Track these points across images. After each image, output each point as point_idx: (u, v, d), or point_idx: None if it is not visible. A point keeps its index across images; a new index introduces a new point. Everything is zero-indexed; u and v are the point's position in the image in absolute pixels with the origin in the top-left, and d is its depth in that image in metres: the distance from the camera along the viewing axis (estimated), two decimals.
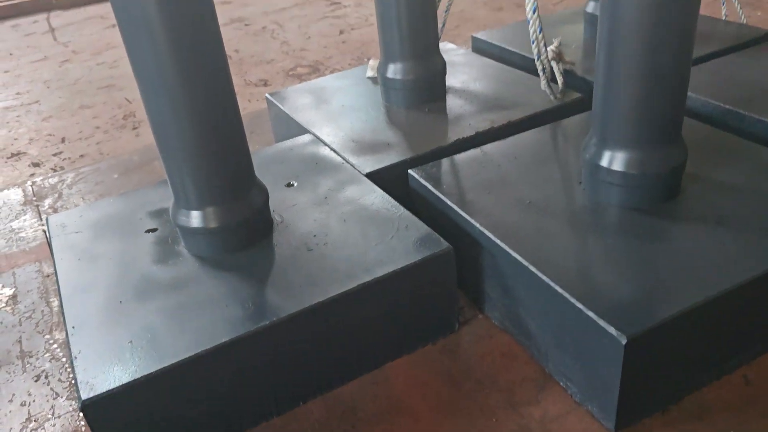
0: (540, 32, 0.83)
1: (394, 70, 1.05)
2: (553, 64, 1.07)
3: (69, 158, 1.42)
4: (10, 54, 2.18)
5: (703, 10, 1.58)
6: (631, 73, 0.69)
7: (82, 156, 1.42)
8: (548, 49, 1.07)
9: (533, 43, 0.85)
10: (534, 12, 0.80)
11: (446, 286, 0.76)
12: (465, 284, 0.83)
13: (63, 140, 1.51)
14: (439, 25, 1.10)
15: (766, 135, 0.90)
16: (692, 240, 0.69)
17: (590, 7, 1.30)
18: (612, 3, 0.67)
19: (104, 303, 0.72)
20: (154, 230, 0.83)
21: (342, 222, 0.80)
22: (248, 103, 1.58)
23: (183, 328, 0.66)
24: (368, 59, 1.18)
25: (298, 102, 1.15)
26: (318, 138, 1.01)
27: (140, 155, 1.36)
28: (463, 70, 1.18)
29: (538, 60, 0.87)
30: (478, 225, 0.75)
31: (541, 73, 0.90)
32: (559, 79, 1.04)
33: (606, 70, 0.71)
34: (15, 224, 1.17)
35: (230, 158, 0.74)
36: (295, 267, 0.73)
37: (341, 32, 1.99)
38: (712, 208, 0.74)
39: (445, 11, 1.14)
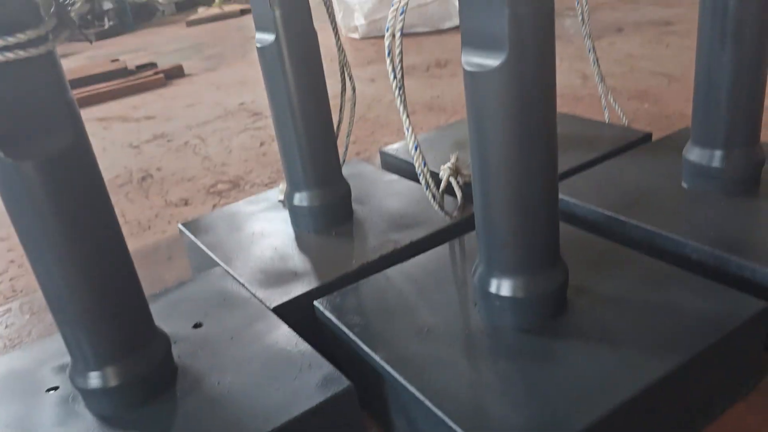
0: (425, 165, 0.89)
1: (299, 198, 1.09)
2: (451, 180, 1.13)
3: None
4: None
5: (588, 114, 1.71)
6: (504, 209, 0.74)
7: None
8: (445, 167, 1.13)
9: (420, 175, 0.91)
10: (416, 149, 0.85)
11: (350, 423, 0.76)
12: (376, 412, 0.84)
13: None
14: (342, 150, 1.15)
15: (646, 241, 0.97)
16: (578, 359, 0.73)
17: None
18: (478, 143, 0.73)
19: None
20: (55, 388, 0.82)
21: (247, 364, 0.80)
22: (168, 225, 1.59)
23: None
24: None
25: (210, 232, 1.17)
26: (227, 271, 1.03)
27: None
28: (370, 189, 1.23)
29: (427, 190, 0.93)
30: (378, 359, 0.77)
31: (431, 199, 0.96)
32: (458, 194, 1.10)
33: (482, 202, 0.76)
34: None
35: (127, 316, 0.74)
36: (198, 422, 0.72)
37: (261, 144, 2.05)
38: (595, 323, 0.78)
39: (347, 136, 1.20)
